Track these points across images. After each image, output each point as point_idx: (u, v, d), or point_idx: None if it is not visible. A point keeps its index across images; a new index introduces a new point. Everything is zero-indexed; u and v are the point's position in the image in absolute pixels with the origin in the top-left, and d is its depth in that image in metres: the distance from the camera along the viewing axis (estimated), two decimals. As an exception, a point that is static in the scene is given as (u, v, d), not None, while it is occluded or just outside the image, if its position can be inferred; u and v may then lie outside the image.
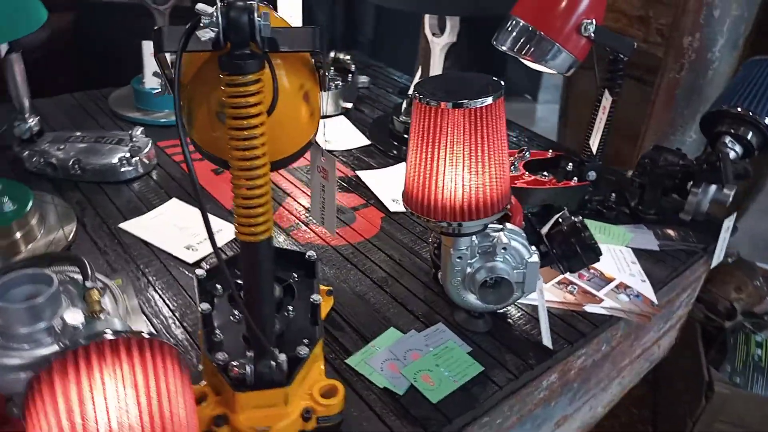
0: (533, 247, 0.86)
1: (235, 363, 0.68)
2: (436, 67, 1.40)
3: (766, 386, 1.66)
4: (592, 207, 1.22)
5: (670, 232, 1.19)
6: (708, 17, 1.22)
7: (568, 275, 1.04)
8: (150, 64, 1.46)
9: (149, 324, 0.88)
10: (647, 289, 1.02)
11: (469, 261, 0.84)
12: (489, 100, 0.71)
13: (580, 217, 0.87)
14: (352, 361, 0.82)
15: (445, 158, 0.73)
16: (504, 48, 1.05)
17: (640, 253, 1.12)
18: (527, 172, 1.22)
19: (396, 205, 1.20)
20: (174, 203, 1.15)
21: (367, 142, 1.46)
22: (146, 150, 1.25)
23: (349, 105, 1.60)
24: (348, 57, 1.76)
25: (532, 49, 1.01)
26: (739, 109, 1.14)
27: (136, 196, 1.18)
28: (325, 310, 0.89)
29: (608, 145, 1.16)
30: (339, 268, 1.01)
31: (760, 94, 1.15)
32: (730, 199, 1.16)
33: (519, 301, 0.91)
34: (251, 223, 0.59)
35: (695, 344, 1.77)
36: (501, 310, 0.93)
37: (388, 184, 1.28)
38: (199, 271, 0.83)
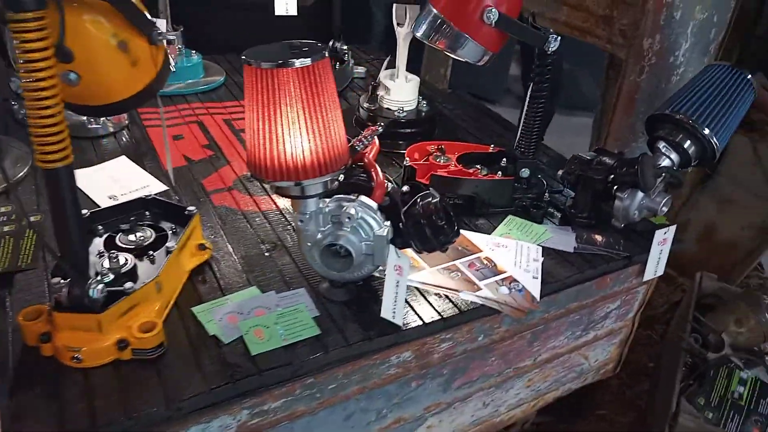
0: (387, 222, 0.87)
1: (57, 286, 0.76)
2: (401, 56, 1.42)
3: (742, 426, 1.53)
4: (518, 204, 1.20)
5: (597, 237, 1.15)
6: (668, 19, 1.16)
7: (458, 262, 1.04)
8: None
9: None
10: (534, 286, 1.00)
11: (321, 228, 0.87)
12: (308, 61, 0.74)
13: (438, 199, 0.88)
14: (198, 309, 0.87)
15: (277, 118, 0.77)
16: (419, 35, 1.06)
17: (552, 253, 1.09)
18: (456, 163, 1.22)
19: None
20: (121, 160, 1.26)
21: (332, 125, 1.51)
22: (118, 112, 1.37)
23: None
24: (345, 47, 1.82)
25: (441, 37, 1.02)
26: (679, 115, 1.08)
27: (95, 151, 1.30)
28: (194, 263, 0.95)
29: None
30: (235, 231, 1.07)
31: (705, 101, 1.08)
32: (661, 207, 1.10)
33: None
34: (46, 151, 0.66)
35: (674, 371, 1.67)
36: (360, 282, 0.94)
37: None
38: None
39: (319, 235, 0.87)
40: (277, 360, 0.80)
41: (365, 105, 1.46)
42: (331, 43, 1.82)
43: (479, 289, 0.98)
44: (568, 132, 3.49)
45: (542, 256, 1.08)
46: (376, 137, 1.00)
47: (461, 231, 1.11)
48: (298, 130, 0.77)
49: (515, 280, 1.01)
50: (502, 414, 1.18)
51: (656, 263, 1.16)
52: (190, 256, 0.95)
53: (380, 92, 1.46)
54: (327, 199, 0.87)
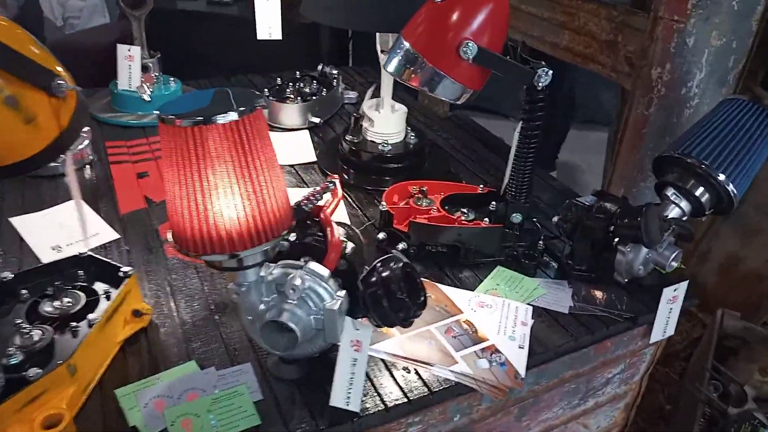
0: (341, 293, 0.75)
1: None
2: (386, 85, 1.31)
3: (769, 492, 1.37)
4: (509, 253, 1.07)
5: (597, 293, 1.01)
6: (680, 46, 1.02)
7: (433, 327, 0.91)
8: (124, 67, 1.50)
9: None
10: (519, 358, 0.87)
11: (264, 298, 0.75)
12: (234, 116, 0.62)
13: (401, 265, 0.75)
14: (122, 391, 0.76)
15: (201, 183, 0.65)
16: (390, 72, 0.94)
17: (544, 315, 0.95)
18: (440, 207, 1.10)
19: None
20: (70, 205, 1.15)
21: (313, 158, 1.40)
22: (79, 147, 1.28)
23: (317, 120, 1.55)
24: (335, 71, 1.71)
25: (414, 74, 0.90)
26: (690, 159, 0.94)
27: (50, 192, 1.20)
28: (127, 332, 0.84)
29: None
30: (183, 289, 0.95)
31: (720, 142, 0.94)
32: (670, 262, 0.96)
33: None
34: None
35: (691, 424, 1.51)
36: (317, 356, 0.82)
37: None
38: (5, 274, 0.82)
39: (262, 306, 0.75)
40: (204, 459, 0.68)
41: (348, 138, 1.34)
42: (320, 67, 1.71)
43: (455, 362, 0.85)
44: (586, 149, 3.33)
45: (532, 318, 0.94)
46: (339, 187, 0.88)
47: (442, 287, 0.99)
48: (225, 195, 0.65)
49: (498, 351, 0.87)
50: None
51: (665, 323, 1.02)
52: (123, 325, 0.83)
53: (364, 124, 1.34)
54: (272, 265, 0.75)
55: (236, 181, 0.65)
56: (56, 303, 0.81)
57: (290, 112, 1.53)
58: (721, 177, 0.92)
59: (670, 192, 0.95)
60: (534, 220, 1.12)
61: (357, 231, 0.88)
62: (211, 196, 0.65)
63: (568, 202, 1.03)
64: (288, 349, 0.75)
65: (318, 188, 0.77)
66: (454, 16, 0.85)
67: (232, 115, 0.62)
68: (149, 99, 1.50)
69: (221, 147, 0.64)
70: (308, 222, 0.82)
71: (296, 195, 1.23)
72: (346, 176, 1.33)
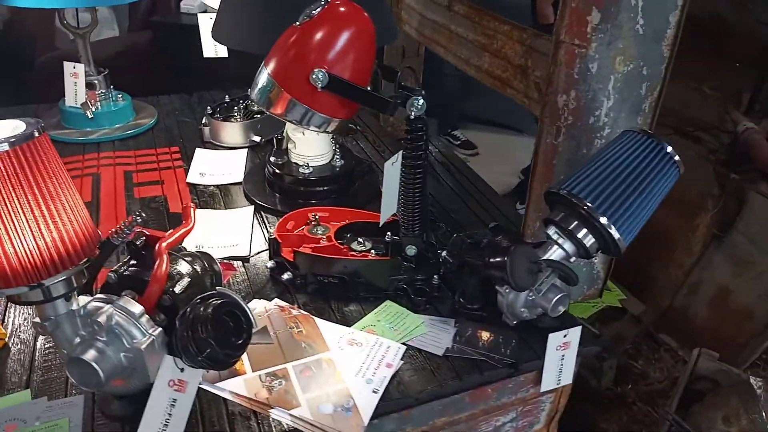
0: (157, 330, 0.72)
1: None
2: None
3: None
4: (400, 287, 1.02)
5: (484, 335, 0.95)
6: (583, 72, 0.95)
7: (290, 365, 0.87)
8: (70, 84, 1.53)
9: None
10: (368, 404, 0.82)
11: (80, 331, 0.73)
12: (5, 146, 0.61)
13: (219, 303, 0.72)
14: (-59, 418, 0.75)
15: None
16: (254, 100, 0.91)
17: (417, 356, 0.90)
18: (331, 236, 1.06)
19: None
20: None
21: (240, 179, 1.38)
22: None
23: (257, 139, 1.53)
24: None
25: (273, 103, 0.87)
26: (574, 198, 0.87)
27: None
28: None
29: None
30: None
31: (607, 179, 0.87)
32: (553, 305, 0.89)
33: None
34: None
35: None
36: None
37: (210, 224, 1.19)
38: None
39: (78, 340, 0.73)
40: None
41: (272, 159, 1.32)
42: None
43: (296, 405, 0.81)
44: (522, 152, 3.17)
45: (402, 359, 0.89)
46: (192, 215, 0.86)
47: (319, 321, 0.95)
48: (10, 226, 0.63)
49: (349, 395, 0.83)
50: None
51: (558, 371, 0.95)
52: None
53: (288, 145, 1.32)
54: (87, 298, 0.73)
55: (20, 212, 0.63)
56: None
57: (231, 131, 1.52)
58: (603, 220, 0.84)
59: (551, 231, 0.88)
60: (437, 253, 1.07)
61: (212, 264, 0.85)
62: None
63: (455, 236, 0.97)
64: (98, 386, 0.72)
65: (127, 220, 0.74)
66: (308, 43, 0.81)
67: (2, 146, 0.61)
68: (91, 116, 1.52)
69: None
70: (143, 252, 0.79)
71: (216, 217, 1.22)
72: (272, 199, 1.30)
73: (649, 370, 1.99)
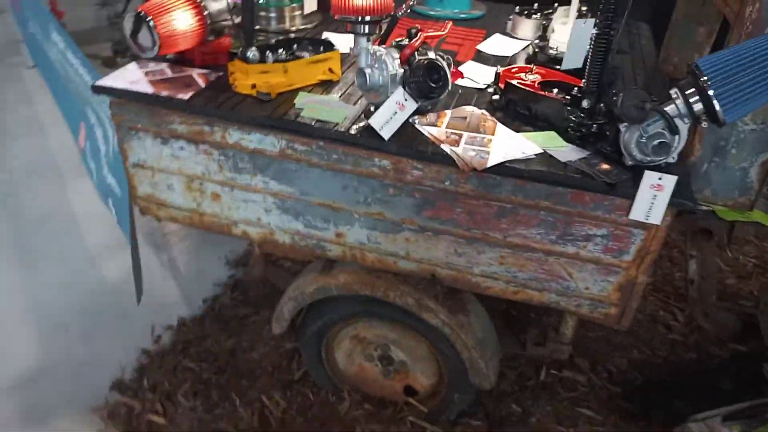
0: (401, 70, 1.33)
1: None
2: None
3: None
4: (567, 126, 1.40)
5: (605, 165, 1.28)
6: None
7: (465, 133, 1.39)
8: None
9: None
10: (493, 157, 1.28)
11: (368, 61, 1.38)
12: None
13: (429, 61, 1.28)
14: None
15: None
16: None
17: (547, 159, 1.30)
18: (536, 83, 1.49)
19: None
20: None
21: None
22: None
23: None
24: None
25: None
26: (697, 69, 1.12)
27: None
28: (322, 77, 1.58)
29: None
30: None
31: (733, 62, 1.10)
32: (651, 148, 1.18)
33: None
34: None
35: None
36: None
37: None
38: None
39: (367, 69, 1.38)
40: (306, 121, 1.38)
41: (535, 41, 1.78)
42: None
43: (453, 143, 1.33)
44: None
45: (535, 155, 1.31)
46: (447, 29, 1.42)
47: (500, 126, 1.44)
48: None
49: (488, 146, 1.31)
50: (476, 275, 1.46)
51: (648, 206, 1.23)
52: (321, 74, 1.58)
53: (549, 33, 1.75)
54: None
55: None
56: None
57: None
58: (711, 92, 1.09)
59: (672, 90, 1.16)
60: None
61: (450, 63, 1.40)
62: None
63: (614, 90, 1.31)
64: (364, 88, 1.37)
65: (408, 4, 1.34)
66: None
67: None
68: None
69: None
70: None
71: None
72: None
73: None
